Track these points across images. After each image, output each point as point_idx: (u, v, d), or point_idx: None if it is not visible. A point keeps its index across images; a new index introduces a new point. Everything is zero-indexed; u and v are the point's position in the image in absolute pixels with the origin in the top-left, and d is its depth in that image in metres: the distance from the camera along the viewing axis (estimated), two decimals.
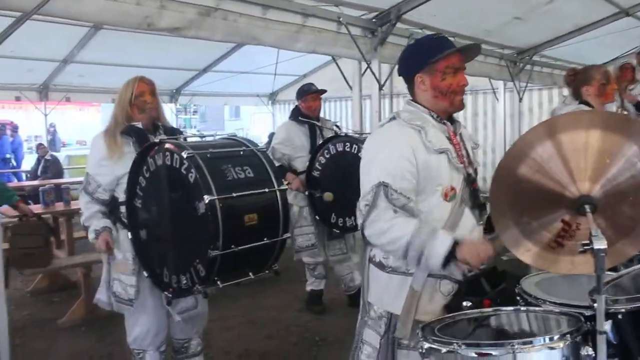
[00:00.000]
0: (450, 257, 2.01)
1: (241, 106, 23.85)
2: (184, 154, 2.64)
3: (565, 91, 5.45)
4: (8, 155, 14.16)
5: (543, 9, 5.88)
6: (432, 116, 2.23)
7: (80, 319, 4.84)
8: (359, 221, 2.17)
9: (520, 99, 7.98)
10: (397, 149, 2.13)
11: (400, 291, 2.20)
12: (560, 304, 1.85)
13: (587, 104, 3.52)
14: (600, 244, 1.37)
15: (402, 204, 2.09)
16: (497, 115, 8.43)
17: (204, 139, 3.30)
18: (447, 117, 2.27)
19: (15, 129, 14.92)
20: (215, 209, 2.57)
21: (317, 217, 4.78)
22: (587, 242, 1.40)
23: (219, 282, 2.78)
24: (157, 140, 2.88)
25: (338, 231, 4.72)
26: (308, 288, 5.11)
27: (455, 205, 2.17)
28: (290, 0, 4.69)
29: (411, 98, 2.33)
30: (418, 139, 2.14)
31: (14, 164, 14.30)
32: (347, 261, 4.95)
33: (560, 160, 1.51)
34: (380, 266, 2.30)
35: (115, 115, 3.19)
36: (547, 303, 1.92)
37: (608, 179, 1.50)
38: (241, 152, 2.94)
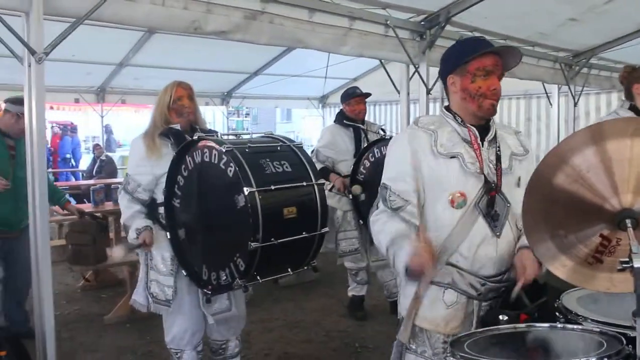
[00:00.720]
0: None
1: (292, 109, 24.00)
2: (223, 149, 2.68)
3: None
4: (68, 155, 14.75)
5: (601, 9, 5.62)
6: (457, 120, 2.16)
7: (125, 315, 4.97)
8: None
9: (576, 104, 7.68)
10: (399, 152, 2.17)
11: (409, 295, 2.19)
12: (601, 323, 1.74)
13: (635, 108, 3.35)
14: None
15: (399, 206, 2.11)
16: (551, 120, 8.14)
17: (239, 137, 3.32)
18: (477, 121, 2.18)
19: (74, 129, 15.52)
20: (255, 201, 2.60)
21: (360, 221, 4.73)
22: (627, 259, 1.31)
23: (258, 277, 2.80)
24: (195, 137, 2.91)
25: None
26: (350, 293, 5.07)
27: (466, 213, 2.09)
28: (337, 3, 4.66)
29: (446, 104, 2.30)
30: (427, 143, 2.13)
31: (73, 163, 14.88)
32: (389, 267, 4.87)
33: (601, 170, 1.41)
34: None
35: (154, 119, 3.26)
36: (588, 321, 1.82)
37: None
38: (278, 147, 2.98)
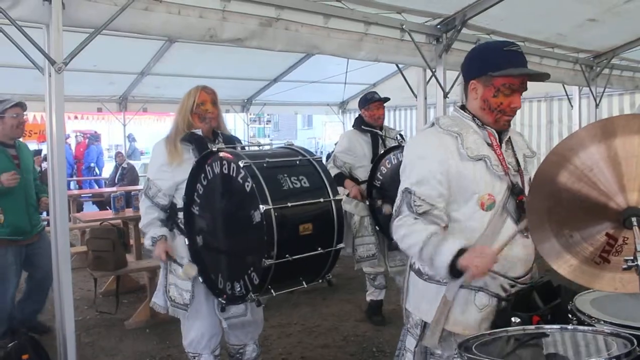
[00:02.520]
0: (454, 265, 1.96)
1: (313, 115, 24.08)
2: (241, 164, 2.68)
3: None
4: (92, 164, 15.00)
5: (620, 8, 5.55)
6: (476, 122, 2.15)
7: (144, 321, 5.02)
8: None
9: (597, 105, 7.58)
10: (426, 156, 2.11)
11: (434, 300, 2.16)
12: (614, 324, 1.72)
13: None
14: None
15: (425, 211, 2.07)
16: (572, 122, 8.05)
17: (261, 148, 3.34)
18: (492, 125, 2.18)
19: (97, 138, 15.80)
20: (271, 218, 2.58)
21: (377, 227, 4.73)
22: (632, 258, 1.29)
23: (272, 291, 2.80)
24: (214, 149, 2.94)
25: None
26: (368, 298, 5.06)
27: (495, 215, 2.08)
28: (352, 8, 4.68)
29: (461, 104, 2.27)
30: (453, 146, 2.09)
31: (97, 171, 15.13)
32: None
33: (606, 168, 1.40)
34: (419, 273, 2.27)
35: (176, 123, 3.28)
36: (601, 322, 1.80)
37: None
38: (297, 162, 2.95)
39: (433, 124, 2.22)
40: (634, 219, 1.36)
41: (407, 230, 2.10)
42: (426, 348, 2.22)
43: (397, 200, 2.16)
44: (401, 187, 2.15)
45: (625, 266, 1.31)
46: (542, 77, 2.13)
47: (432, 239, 2.01)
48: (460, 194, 2.09)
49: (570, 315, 1.95)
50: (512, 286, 2.11)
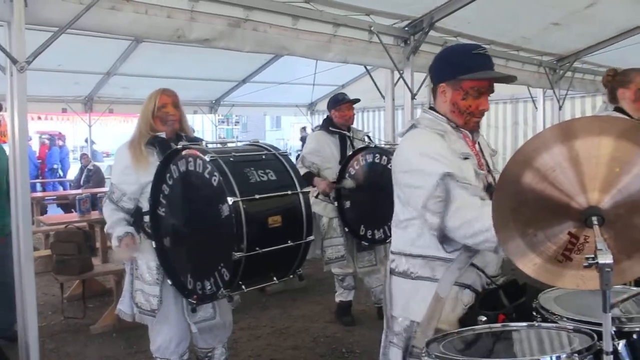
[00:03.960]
0: None
1: (282, 116, 24.07)
2: (207, 158, 2.67)
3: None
4: (55, 166, 14.70)
5: (582, 13, 5.69)
6: (450, 125, 2.18)
7: (111, 325, 4.93)
8: (435, 220, 1.97)
9: (560, 107, 7.76)
10: (435, 149, 2.04)
11: (425, 298, 2.12)
12: (575, 321, 1.76)
13: (622, 110, 3.38)
14: (606, 258, 1.30)
15: (473, 192, 1.97)
16: (537, 123, 8.22)
17: (225, 145, 3.32)
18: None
19: (62, 139, 15.49)
20: (239, 211, 2.58)
21: (346, 229, 4.75)
22: (592, 256, 1.33)
23: (243, 287, 2.78)
24: (179, 146, 2.91)
25: (367, 243, 4.67)
26: (337, 299, 5.07)
27: None
28: (321, 10, 4.69)
29: (430, 105, 2.29)
30: (444, 143, 2.09)
31: (61, 173, 14.83)
32: (376, 273, 4.89)
33: (569, 169, 1.43)
34: (405, 275, 2.23)
35: (139, 127, 3.25)
36: (564, 319, 1.84)
37: (619, 190, 1.41)
38: (263, 156, 2.97)
39: (414, 126, 2.20)
40: (594, 218, 1.40)
41: (474, 213, 1.89)
42: (412, 348, 2.17)
43: (437, 192, 1.96)
44: (434, 177, 1.96)
45: (586, 264, 1.34)
46: (508, 79, 2.17)
47: None
48: None
49: (534, 313, 1.99)
50: (489, 284, 2.14)
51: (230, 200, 2.56)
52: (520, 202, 1.43)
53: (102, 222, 5.65)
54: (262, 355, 4.39)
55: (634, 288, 2.02)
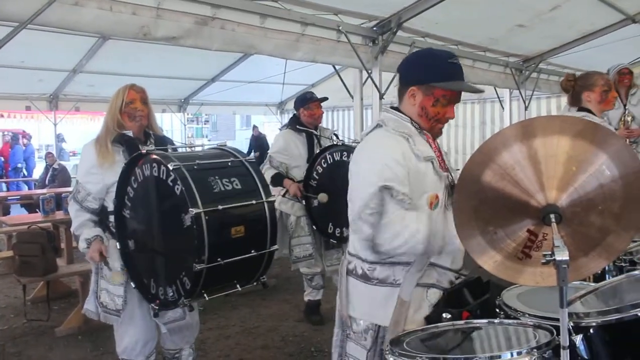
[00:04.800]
0: None
1: (252, 115, 23.95)
2: (170, 166, 2.62)
3: None
4: (19, 165, 14.36)
5: (547, 16, 5.82)
6: (414, 126, 2.19)
7: (77, 327, 4.84)
8: (365, 232, 2.05)
9: (526, 107, 7.91)
10: (392, 154, 2.06)
11: (388, 303, 2.14)
12: (537, 317, 1.80)
13: (588, 110, 3.46)
14: (562, 255, 1.32)
15: (408, 205, 2.02)
16: (504, 123, 8.37)
17: (192, 149, 3.29)
18: None
19: (27, 138, 15.14)
20: (201, 222, 2.54)
21: (314, 227, 4.75)
22: (550, 252, 1.35)
23: (205, 295, 2.76)
24: (144, 151, 2.86)
25: (335, 241, 4.68)
26: (306, 298, 5.07)
27: (440, 213, 2.13)
28: (289, 9, 4.69)
29: (393, 105, 2.30)
30: (407, 146, 2.10)
31: (25, 173, 14.49)
32: None
33: (528, 167, 1.46)
34: (365, 278, 2.22)
35: (106, 123, 3.18)
36: (526, 315, 1.87)
37: (575, 188, 1.45)
38: (229, 163, 2.91)
39: (380, 126, 2.21)
40: (552, 216, 1.42)
41: (399, 226, 1.98)
42: (382, 351, 2.17)
43: (372, 203, 2.02)
44: (372, 187, 2.01)
45: (543, 260, 1.37)
46: (477, 92, 2.21)
47: (436, 218, 1.99)
48: (414, 192, 2.09)
49: (498, 310, 2.02)
50: (457, 278, 2.16)
51: (192, 211, 2.52)
52: (481, 200, 1.45)
53: (67, 223, 5.57)
54: (231, 355, 4.36)
55: (593, 284, 2.07)
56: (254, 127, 16.25)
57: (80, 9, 3.52)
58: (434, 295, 2.16)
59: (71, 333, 4.81)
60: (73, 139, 17.05)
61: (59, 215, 5.72)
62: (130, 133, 3.16)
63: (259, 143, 14.97)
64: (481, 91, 2.23)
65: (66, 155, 15.95)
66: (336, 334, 2.42)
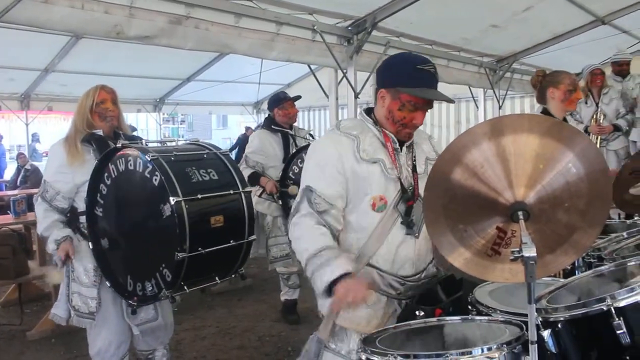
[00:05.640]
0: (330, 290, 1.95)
1: (228, 115, 23.87)
2: (148, 157, 2.62)
3: None
4: None
5: (519, 16, 5.90)
6: (377, 127, 2.20)
7: (49, 330, 4.76)
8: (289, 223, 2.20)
9: (500, 107, 8.01)
10: (325, 156, 2.14)
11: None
12: (507, 313, 1.82)
13: (548, 112, 3.51)
14: (530, 251, 1.34)
15: (324, 209, 2.09)
16: (478, 122, 8.45)
17: (166, 144, 3.27)
18: None
19: None
20: (182, 211, 2.55)
21: None
22: (518, 249, 1.37)
23: (185, 287, 2.75)
24: (118, 145, 2.84)
25: None
26: (282, 298, 5.07)
27: (385, 216, 2.13)
28: (264, 8, 4.68)
29: (369, 106, 2.33)
30: (349, 147, 2.13)
31: None
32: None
33: (496, 165, 1.47)
34: None
35: (75, 123, 3.15)
36: (497, 312, 1.90)
37: (543, 186, 1.47)
38: (205, 155, 2.94)
39: (334, 128, 2.26)
40: (520, 213, 1.44)
41: (302, 233, 2.08)
42: (318, 339, 2.20)
43: (297, 198, 2.16)
44: (302, 186, 2.16)
45: (512, 257, 1.39)
46: (446, 101, 2.21)
47: (324, 253, 1.99)
48: (354, 195, 2.13)
49: (470, 307, 2.04)
50: (402, 284, 2.17)
51: (172, 200, 2.53)
52: (451, 198, 1.47)
53: None
54: (207, 356, 4.33)
55: (562, 279, 2.10)
56: (247, 128, 16.17)
57: (51, 6, 3.48)
58: (371, 296, 2.13)
59: (44, 337, 4.74)
60: (46, 139, 16.75)
61: (31, 216, 5.60)
62: (100, 132, 3.13)
63: (243, 144, 14.84)
64: (451, 101, 2.25)
65: (39, 155, 15.66)
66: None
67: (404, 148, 2.20)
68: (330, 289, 1.93)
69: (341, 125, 2.22)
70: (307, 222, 2.08)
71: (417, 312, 2.05)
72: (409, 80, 2.10)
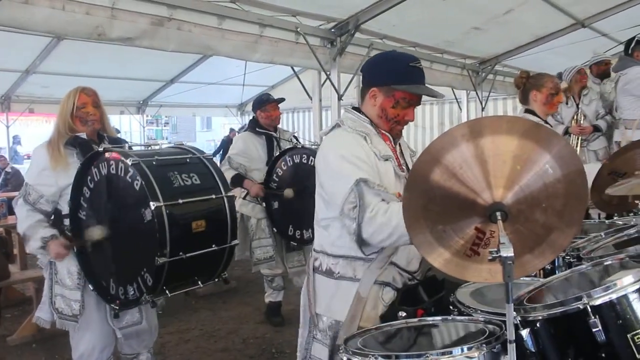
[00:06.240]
0: None
1: (212, 117, 23.78)
2: (129, 162, 2.61)
3: None
4: None
5: (501, 19, 5.96)
6: (373, 126, 2.22)
7: (30, 335, 4.70)
8: (352, 226, 2.01)
9: (483, 108, 8.08)
10: (355, 151, 2.07)
11: (347, 298, 2.16)
12: (488, 313, 1.84)
13: (532, 112, 3.55)
14: (508, 251, 1.36)
15: (385, 197, 2.01)
16: None
17: (149, 147, 3.26)
18: None
19: None
20: (162, 216, 2.54)
21: (274, 229, 4.75)
22: (496, 249, 1.39)
23: (167, 292, 2.74)
24: (100, 149, 2.83)
25: (295, 244, 4.69)
26: (267, 300, 5.06)
27: None
28: (247, 10, 4.68)
29: (354, 106, 2.33)
30: (366, 145, 2.13)
31: None
32: (306, 273, 4.89)
33: (475, 166, 1.49)
34: (329, 273, 2.25)
35: (57, 127, 3.12)
36: (478, 312, 1.92)
37: (520, 187, 1.49)
38: (187, 160, 2.92)
39: (338, 125, 2.23)
40: (498, 214, 1.46)
41: (385, 217, 1.94)
42: (337, 347, 2.18)
43: (350, 197, 1.99)
44: (349, 182, 1.99)
45: (490, 257, 1.41)
46: (437, 96, 2.24)
47: None
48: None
49: (452, 307, 2.06)
50: (411, 280, 2.19)
51: (152, 205, 2.52)
52: (430, 199, 1.48)
53: None
54: (191, 359, 4.32)
55: (542, 279, 2.13)
56: (231, 130, 16.06)
57: (31, 7, 3.45)
58: (388, 294, 2.18)
59: (25, 342, 4.68)
60: (28, 141, 16.56)
61: (12, 220, 5.53)
62: (83, 135, 3.11)
63: (227, 147, 14.75)
64: (441, 96, 2.28)
65: (20, 158, 15.47)
66: (301, 335, 2.42)
67: (397, 146, 2.23)
68: None
69: (347, 124, 2.20)
70: (383, 206, 1.97)
71: (399, 313, 2.07)
72: (403, 77, 2.12)
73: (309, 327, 2.37)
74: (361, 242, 2.05)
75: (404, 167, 2.25)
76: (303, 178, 4.40)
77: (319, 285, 2.31)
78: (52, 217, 3.11)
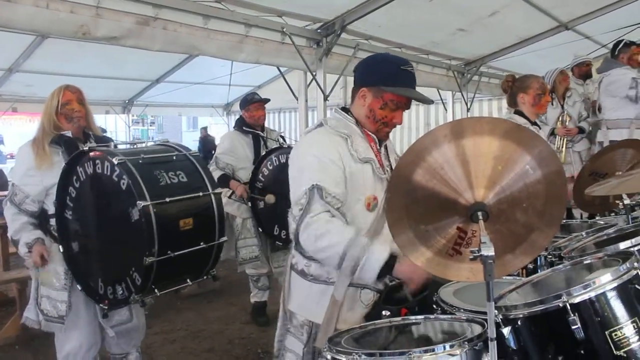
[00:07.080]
0: (385, 271, 1.98)
1: (199, 117, 23.67)
2: (115, 160, 2.61)
3: None
4: None
5: (486, 21, 6.00)
6: (359, 127, 2.24)
7: (14, 337, 4.66)
8: (292, 227, 2.10)
9: (469, 109, 8.13)
10: (328, 153, 2.10)
11: (321, 300, 2.18)
12: (470, 311, 1.86)
13: (521, 113, 3.59)
14: (488, 251, 1.38)
15: (337, 207, 2.06)
16: None
17: (135, 146, 3.25)
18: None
19: None
20: (149, 215, 2.54)
21: (260, 229, 4.75)
22: (477, 249, 1.41)
23: (156, 290, 2.75)
24: (86, 148, 2.81)
25: (281, 243, 4.70)
26: (252, 300, 5.06)
27: (378, 215, 2.17)
28: (232, 10, 4.67)
29: (342, 106, 2.35)
30: (345, 146, 2.14)
31: None
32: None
33: (457, 166, 1.51)
34: (302, 274, 2.27)
35: (42, 125, 3.11)
36: (461, 310, 1.94)
37: (502, 187, 1.51)
38: (174, 157, 2.93)
39: (321, 125, 2.25)
40: (479, 213, 1.49)
41: (322, 229, 2.00)
42: (314, 349, 2.23)
43: (302, 200, 2.05)
44: (305, 185, 2.05)
45: (471, 256, 1.43)
46: (426, 101, 2.26)
47: (359, 240, 1.98)
48: (351, 194, 2.13)
49: (435, 306, 2.08)
50: (391, 280, 2.21)
51: (139, 204, 2.52)
52: (413, 199, 1.50)
53: (3, 227, 5.36)
54: (176, 359, 4.31)
55: (524, 278, 2.16)
56: (202, 129, 15.97)
57: (14, 5, 3.41)
58: (367, 296, 2.20)
59: (8, 343, 4.64)
60: (11, 141, 16.40)
61: None
62: (69, 133, 3.10)
63: (207, 147, 14.74)
64: (430, 102, 2.30)
65: (3, 158, 15.32)
66: (278, 328, 2.44)
67: (382, 148, 2.25)
68: (385, 269, 1.95)
69: (329, 124, 2.21)
70: (325, 218, 2.02)
71: (383, 312, 2.08)
72: (394, 80, 2.14)
73: (284, 320, 2.40)
74: (299, 247, 2.10)
75: (387, 170, 2.26)
76: (288, 178, 4.40)
77: (294, 283, 2.34)
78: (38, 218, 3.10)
